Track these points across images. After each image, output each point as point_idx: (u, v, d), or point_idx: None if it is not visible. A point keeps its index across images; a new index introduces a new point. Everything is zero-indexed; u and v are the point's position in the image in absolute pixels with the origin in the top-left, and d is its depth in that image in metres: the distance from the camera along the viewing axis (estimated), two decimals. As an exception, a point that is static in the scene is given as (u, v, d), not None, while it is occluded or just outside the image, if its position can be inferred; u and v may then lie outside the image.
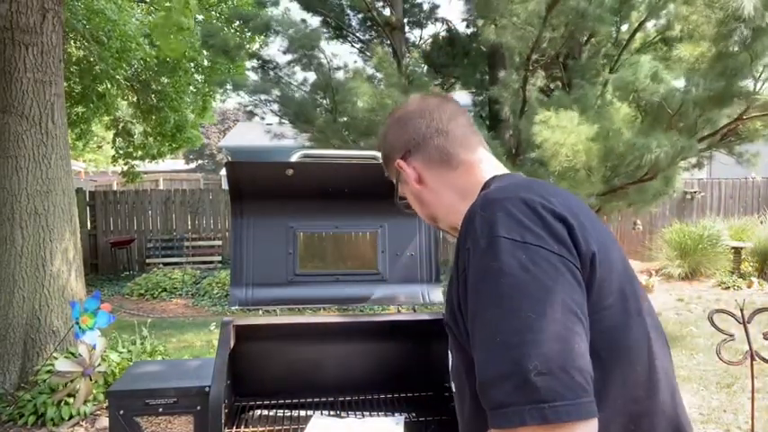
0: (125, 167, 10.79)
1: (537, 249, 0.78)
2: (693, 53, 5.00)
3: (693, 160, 6.24)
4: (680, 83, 5.49)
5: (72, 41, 7.49)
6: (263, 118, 7.49)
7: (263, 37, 9.13)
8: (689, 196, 10.59)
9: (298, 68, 7.12)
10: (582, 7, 5.25)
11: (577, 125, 4.63)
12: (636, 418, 0.84)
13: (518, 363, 0.71)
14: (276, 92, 6.84)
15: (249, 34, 9.43)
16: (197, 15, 7.62)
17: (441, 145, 1.05)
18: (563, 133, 4.54)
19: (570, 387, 0.71)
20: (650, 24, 6.13)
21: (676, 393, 0.92)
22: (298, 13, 7.06)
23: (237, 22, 9.05)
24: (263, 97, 6.88)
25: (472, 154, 1.06)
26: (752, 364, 2.61)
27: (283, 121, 7.19)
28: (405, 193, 1.14)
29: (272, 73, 7.24)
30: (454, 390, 1.01)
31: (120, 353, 4.02)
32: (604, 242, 0.88)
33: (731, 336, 2.62)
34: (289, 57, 7.08)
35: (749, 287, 7.94)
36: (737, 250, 8.49)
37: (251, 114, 7.46)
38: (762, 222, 9.46)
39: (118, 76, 8.17)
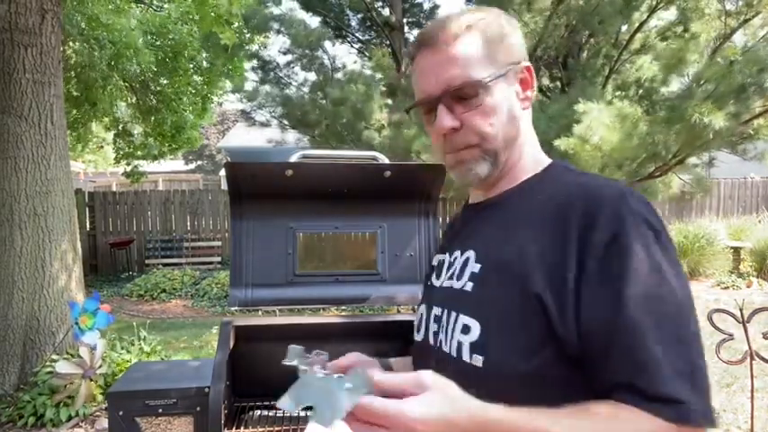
0: (128, 168, 10.72)
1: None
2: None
3: (697, 160, 6.22)
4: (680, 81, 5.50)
5: (69, 45, 7.43)
6: (263, 124, 7.47)
7: (263, 38, 9.13)
8: (687, 196, 10.57)
9: (298, 68, 7.13)
10: (589, 5, 5.26)
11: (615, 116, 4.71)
12: None
13: (695, 363, 0.75)
14: (275, 92, 6.84)
15: (249, 35, 9.42)
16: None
17: None
18: (604, 128, 4.59)
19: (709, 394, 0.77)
20: (652, 23, 6.13)
21: None
22: (297, 13, 7.07)
23: (236, 24, 9.02)
24: (261, 100, 6.88)
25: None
26: (751, 364, 2.61)
27: (283, 121, 7.19)
28: None
29: (271, 74, 7.25)
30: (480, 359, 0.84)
31: (120, 354, 4.02)
32: None
33: (730, 335, 2.62)
34: (289, 57, 7.10)
35: (748, 287, 7.94)
36: (736, 250, 8.49)
37: (250, 119, 7.44)
38: (761, 222, 9.45)
39: (109, 86, 8.06)
